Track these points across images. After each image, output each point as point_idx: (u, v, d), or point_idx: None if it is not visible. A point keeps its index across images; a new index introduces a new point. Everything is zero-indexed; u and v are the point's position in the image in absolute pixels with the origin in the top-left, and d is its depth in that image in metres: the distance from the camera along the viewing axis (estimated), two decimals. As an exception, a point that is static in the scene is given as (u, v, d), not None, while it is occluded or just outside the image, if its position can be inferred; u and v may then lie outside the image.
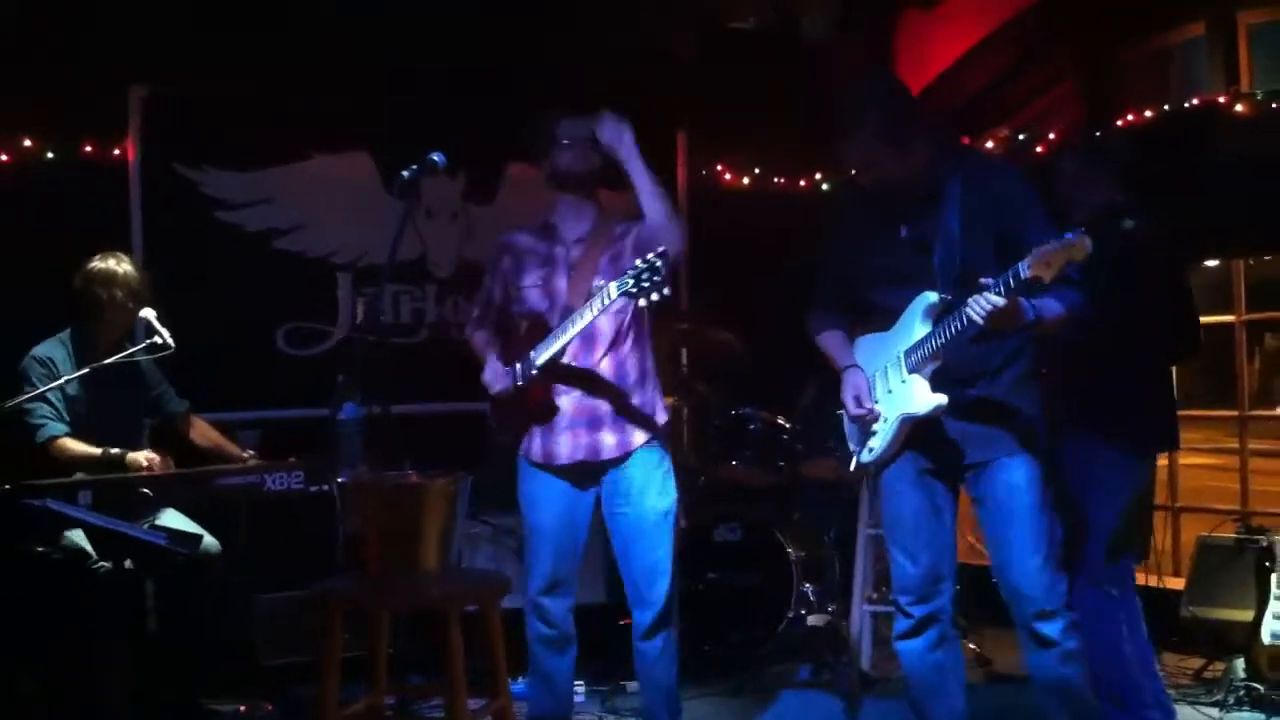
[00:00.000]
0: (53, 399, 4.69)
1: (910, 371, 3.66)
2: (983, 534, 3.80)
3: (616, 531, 4.26)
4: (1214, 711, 4.83)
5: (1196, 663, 5.39)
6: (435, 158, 4.05)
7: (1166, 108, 6.01)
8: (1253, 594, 4.92)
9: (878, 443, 3.79)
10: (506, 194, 6.50)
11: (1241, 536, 5.52)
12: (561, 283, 4.25)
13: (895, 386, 3.72)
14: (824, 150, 7.13)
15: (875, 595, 5.52)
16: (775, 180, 7.26)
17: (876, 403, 3.78)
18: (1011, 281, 3.29)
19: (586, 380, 4.20)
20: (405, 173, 4.03)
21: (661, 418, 4.26)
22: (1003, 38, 6.79)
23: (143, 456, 4.61)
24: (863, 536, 5.46)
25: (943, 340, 3.54)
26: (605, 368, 4.20)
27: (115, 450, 4.62)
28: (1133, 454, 4.34)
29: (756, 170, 7.18)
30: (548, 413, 4.23)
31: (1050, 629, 3.64)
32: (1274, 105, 5.65)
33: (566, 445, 4.22)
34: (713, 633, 5.60)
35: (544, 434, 4.26)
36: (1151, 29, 6.62)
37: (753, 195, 7.14)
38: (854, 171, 3.83)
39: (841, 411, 3.98)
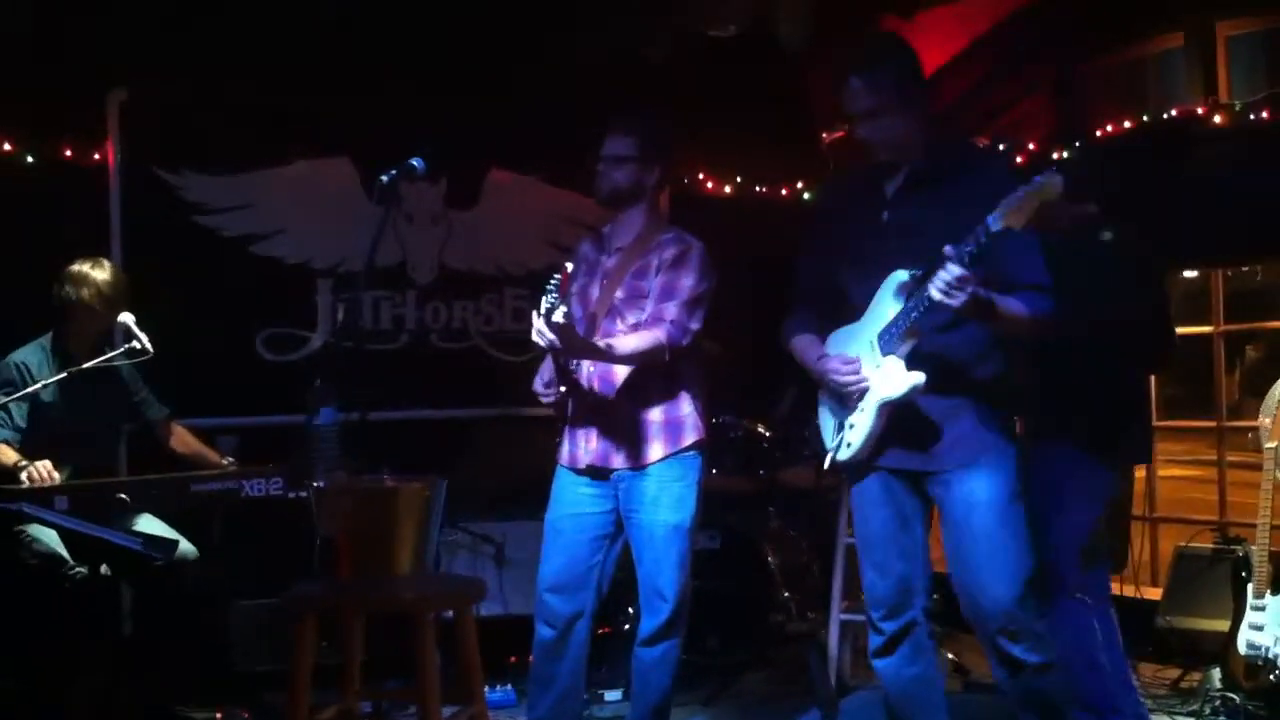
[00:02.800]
0: (11, 407, 4.65)
1: (885, 354, 3.56)
2: (944, 542, 3.71)
3: (630, 537, 4.27)
4: (1190, 721, 4.86)
5: (1173, 673, 5.40)
6: (415, 163, 4.04)
7: (1146, 118, 6.03)
8: (1229, 604, 4.92)
9: (856, 437, 3.66)
10: (488, 199, 6.50)
11: (1218, 547, 5.53)
12: (594, 291, 4.30)
13: (871, 373, 3.60)
14: (806, 159, 7.27)
15: (852, 604, 5.52)
16: (757, 189, 7.28)
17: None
18: (983, 237, 3.22)
19: (604, 391, 4.21)
20: (384, 177, 4.02)
21: (691, 435, 4.22)
22: (981, 49, 6.82)
23: (24, 474, 4.42)
24: (841, 544, 5.46)
25: (916, 316, 3.44)
26: (626, 379, 4.20)
27: (22, 462, 4.48)
28: (1103, 466, 4.35)
29: (739, 179, 7.20)
30: (572, 416, 4.28)
31: (1016, 649, 3.57)
32: (1252, 116, 5.68)
33: (584, 449, 4.24)
34: (691, 641, 5.58)
35: (570, 436, 4.30)
36: (1130, 39, 6.65)
37: (735, 203, 7.16)
38: (851, 119, 3.66)
39: (817, 415, 3.91)
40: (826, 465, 3.84)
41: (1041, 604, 3.67)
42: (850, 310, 3.75)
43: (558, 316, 3.78)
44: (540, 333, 3.92)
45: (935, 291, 3.29)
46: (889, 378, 3.54)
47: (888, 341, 3.56)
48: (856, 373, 3.62)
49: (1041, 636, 3.61)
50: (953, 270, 3.25)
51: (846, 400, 3.70)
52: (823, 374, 3.74)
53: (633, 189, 4.26)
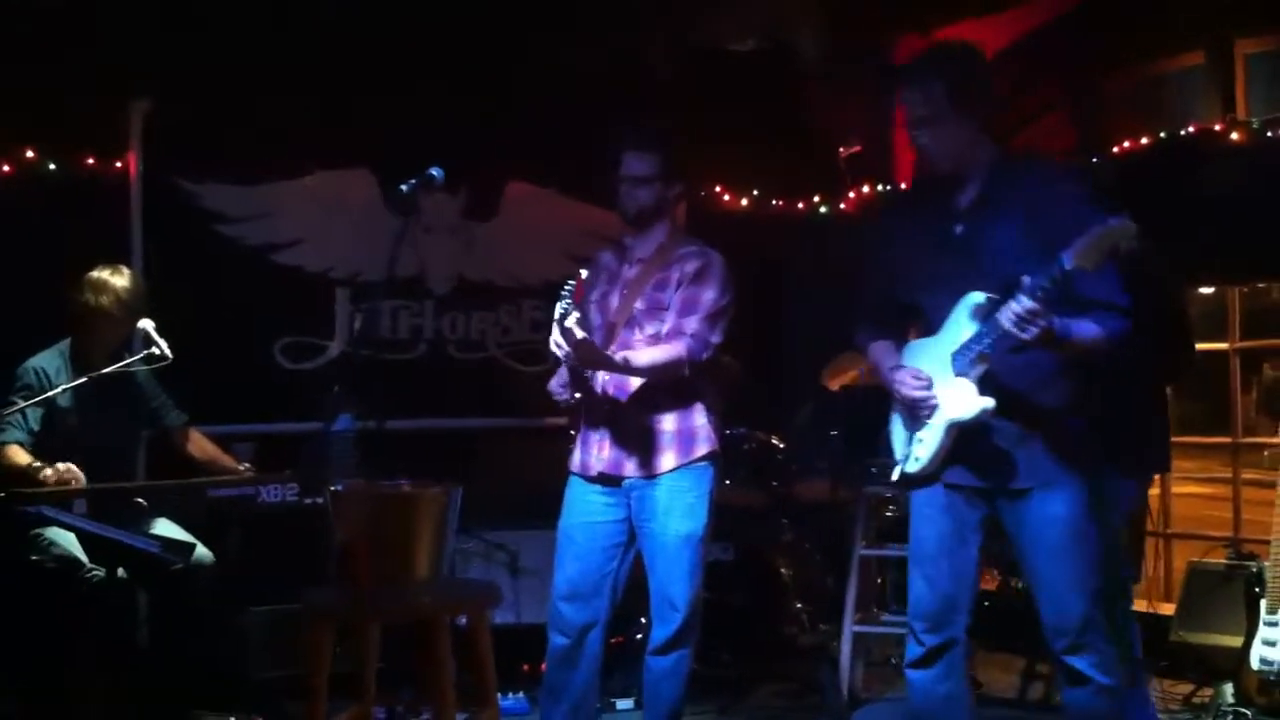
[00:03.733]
0: (27, 410, 4.68)
1: (957, 375, 3.53)
2: (1017, 559, 3.68)
3: (642, 547, 4.28)
4: (1202, 736, 4.85)
5: (1186, 688, 5.38)
6: (433, 173, 4.05)
7: (1163, 134, 6.04)
8: (1242, 620, 4.90)
9: (925, 452, 3.63)
10: (507, 211, 6.55)
11: (1231, 562, 5.52)
12: (614, 300, 4.31)
13: (943, 391, 3.57)
14: (822, 172, 7.30)
15: (865, 616, 5.52)
16: (774, 202, 7.31)
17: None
18: (1058, 274, 3.19)
19: (618, 399, 4.22)
20: (403, 186, 4.05)
21: (704, 445, 4.22)
22: (1001, 66, 6.83)
23: (46, 472, 4.47)
24: (856, 557, 5.46)
25: (989, 341, 3.41)
26: (640, 389, 4.21)
27: (37, 464, 4.53)
28: (1125, 473, 4.35)
29: (755, 192, 7.22)
30: (585, 423, 4.30)
31: (1082, 663, 3.54)
32: (1269, 133, 5.68)
33: (596, 457, 4.25)
34: (704, 652, 5.59)
35: (583, 443, 4.31)
36: (1150, 57, 6.66)
37: (751, 216, 7.18)
38: (910, 131, 3.62)
39: (891, 421, 3.83)
40: (895, 477, 3.79)
41: (1109, 626, 3.63)
42: (924, 323, 3.73)
43: (570, 322, 3.81)
44: (557, 344, 3.95)
45: (1006, 323, 3.28)
46: (959, 399, 3.51)
47: (960, 362, 3.52)
48: (926, 389, 3.60)
49: (1108, 657, 3.57)
50: (1024, 303, 3.22)
51: (917, 414, 3.66)
52: (894, 385, 3.71)
53: (658, 206, 4.28)
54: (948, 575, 3.69)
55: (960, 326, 3.54)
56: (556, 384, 4.31)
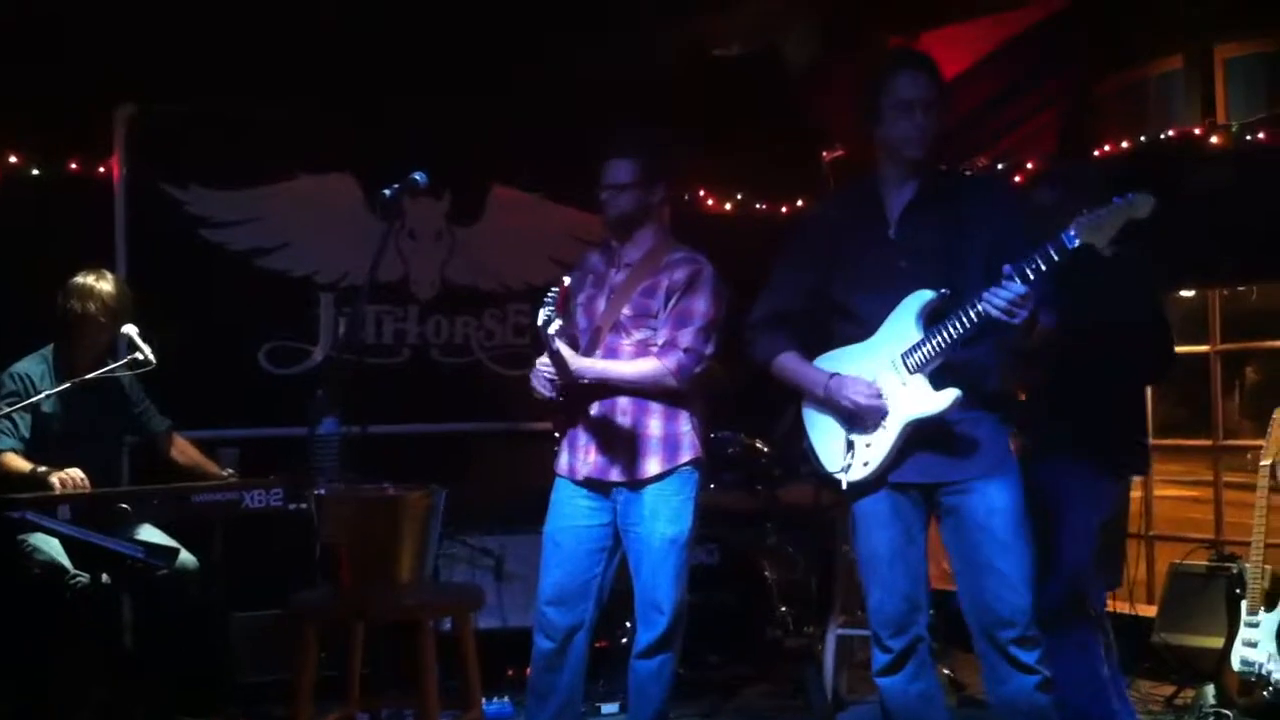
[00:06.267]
0: (15, 416, 4.69)
1: (913, 373, 3.53)
2: (951, 555, 3.68)
3: (628, 550, 4.29)
4: (1184, 737, 4.88)
5: (1168, 689, 5.41)
6: (417, 177, 4.06)
7: (1143, 138, 6.07)
8: (1223, 621, 4.94)
9: (876, 455, 3.61)
10: (491, 215, 6.55)
11: (1213, 564, 5.55)
12: (600, 304, 4.32)
13: (894, 391, 3.57)
14: (806, 175, 7.31)
15: (849, 619, 5.54)
16: (757, 206, 7.32)
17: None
18: (1054, 255, 3.18)
19: (605, 403, 4.24)
20: (386, 191, 4.05)
21: (687, 452, 4.24)
22: (984, 71, 6.87)
23: (55, 478, 4.50)
24: (840, 560, 5.47)
25: (948, 337, 3.42)
26: (625, 393, 4.23)
27: (42, 469, 4.55)
28: (1104, 475, 4.37)
29: (739, 196, 7.24)
30: (571, 426, 4.30)
31: (1029, 656, 3.56)
32: (1249, 137, 5.72)
33: (582, 461, 4.26)
34: (689, 655, 5.60)
35: (569, 447, 4.32)
36: (1130, 62, 6.70)
37: (735, 221, 7.19)
38: (909, 107, 3.57)
39: (810, 433, 3.86)
40: (845, 486, 3.71)
41: (1045, 619, 3.65)
42: (852, 327, 3.72)
43: (553, 329, 3.83)
44: (537, 374, 4.03)
45: (993, 310, 3.27)
46: (919, 397, 3.52)
47: (915, 360, 3.52)
48: (878, 394, 3.59)
49: (1046, 650, 3.60)
50: (1014, 289, 3.23)
51: (862, 420, 3.64)
52: (837, 394, 3.66)
53: (640, 212, 4.28)
54: (904, 576, 3.70)
55: (906, 325, 3.56)
56: (540, 383, 4.31)
